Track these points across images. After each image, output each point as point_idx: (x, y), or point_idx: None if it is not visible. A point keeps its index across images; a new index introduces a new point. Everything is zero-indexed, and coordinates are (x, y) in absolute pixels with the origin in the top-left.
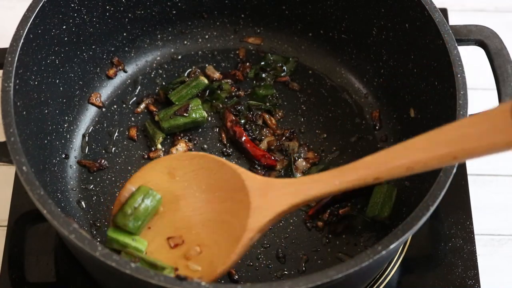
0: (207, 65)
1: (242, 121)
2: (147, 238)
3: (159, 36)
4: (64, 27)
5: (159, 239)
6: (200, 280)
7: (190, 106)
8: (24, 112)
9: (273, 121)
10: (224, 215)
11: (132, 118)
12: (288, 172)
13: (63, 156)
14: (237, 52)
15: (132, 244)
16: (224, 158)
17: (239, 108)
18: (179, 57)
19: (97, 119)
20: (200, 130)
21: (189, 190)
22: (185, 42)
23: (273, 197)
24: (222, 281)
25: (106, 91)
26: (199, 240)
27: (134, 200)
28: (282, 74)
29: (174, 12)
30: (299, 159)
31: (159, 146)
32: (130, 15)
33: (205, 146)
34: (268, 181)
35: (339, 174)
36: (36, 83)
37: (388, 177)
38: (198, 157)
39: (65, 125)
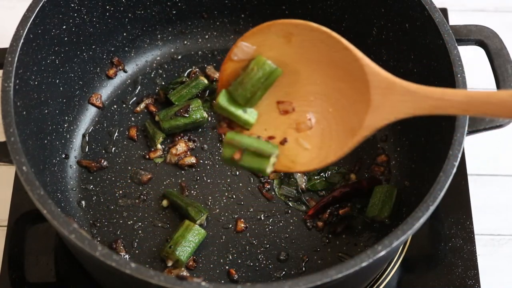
0: (207, 65)
1: None
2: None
3: (159, 36)
4: (64, 27)
5: (269, 100)
6: (199, 280)
7: (191, 106)
8: (24, 112)
9: None
10: (340, 95)
11: (132, 118)
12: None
13: (63, 156)
14: None
15: (242, 116)
16: None
17: None
18: (179, 57)
19: (97, 119)
20: (200, 130)
21: (304, 57)
22: (185, 42)
23: (394, 100)
24: (222, 281)
25: (106, 91)
26: (310, 110)
27: (255, 75)
28: None
29: (174, 12)
30: None
31: (159, 146)
32: (130, 15)
33: (205, 146)
34: (392, 82)
35: (472, 100)
36: (36, 83)
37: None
38: (319, 32)
39: (65, 125)
